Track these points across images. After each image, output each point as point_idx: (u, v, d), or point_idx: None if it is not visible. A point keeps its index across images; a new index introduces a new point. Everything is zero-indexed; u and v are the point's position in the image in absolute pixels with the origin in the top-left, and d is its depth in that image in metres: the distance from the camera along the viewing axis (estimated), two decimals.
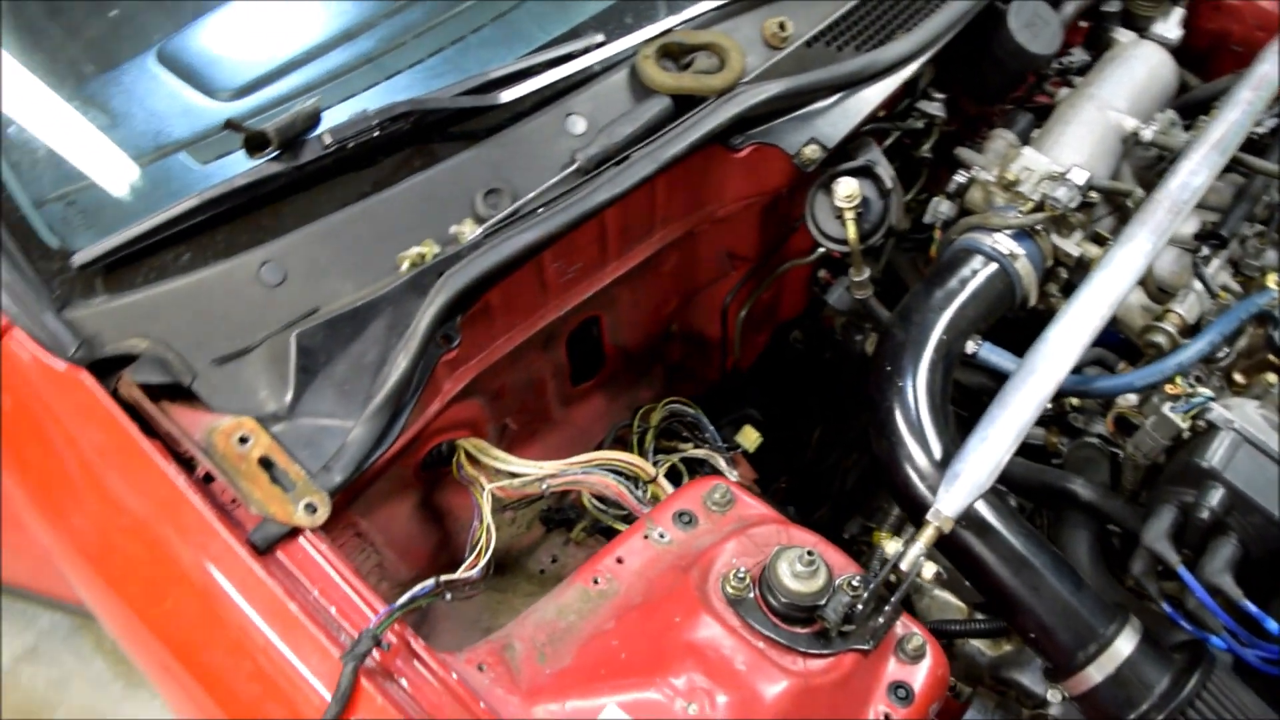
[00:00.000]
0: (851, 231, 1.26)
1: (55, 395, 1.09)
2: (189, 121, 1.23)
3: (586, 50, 1.22)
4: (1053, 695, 1.24)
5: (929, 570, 1.09)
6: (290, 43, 1.32)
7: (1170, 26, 1.69)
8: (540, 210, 1.16)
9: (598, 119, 1.23)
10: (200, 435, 1.07)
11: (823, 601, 1.08)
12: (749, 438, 1.57)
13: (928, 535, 1.11)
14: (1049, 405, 1.43)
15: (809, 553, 1.09)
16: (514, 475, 1.25)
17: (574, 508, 1.49)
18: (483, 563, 1.15)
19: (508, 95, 1.19)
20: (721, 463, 1.50)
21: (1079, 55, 1.59)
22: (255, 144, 1.11)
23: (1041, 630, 1.19)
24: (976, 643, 1.37)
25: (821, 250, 1.41)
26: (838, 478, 1.68)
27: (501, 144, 1.21)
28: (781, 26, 1.31)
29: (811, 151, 1.27)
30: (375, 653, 0.98)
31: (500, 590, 1.40)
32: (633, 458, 1.34)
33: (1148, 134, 1.44)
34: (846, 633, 1.09)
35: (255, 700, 1.00)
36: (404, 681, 0.99)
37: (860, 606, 1.08)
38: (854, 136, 1.33)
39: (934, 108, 1.52)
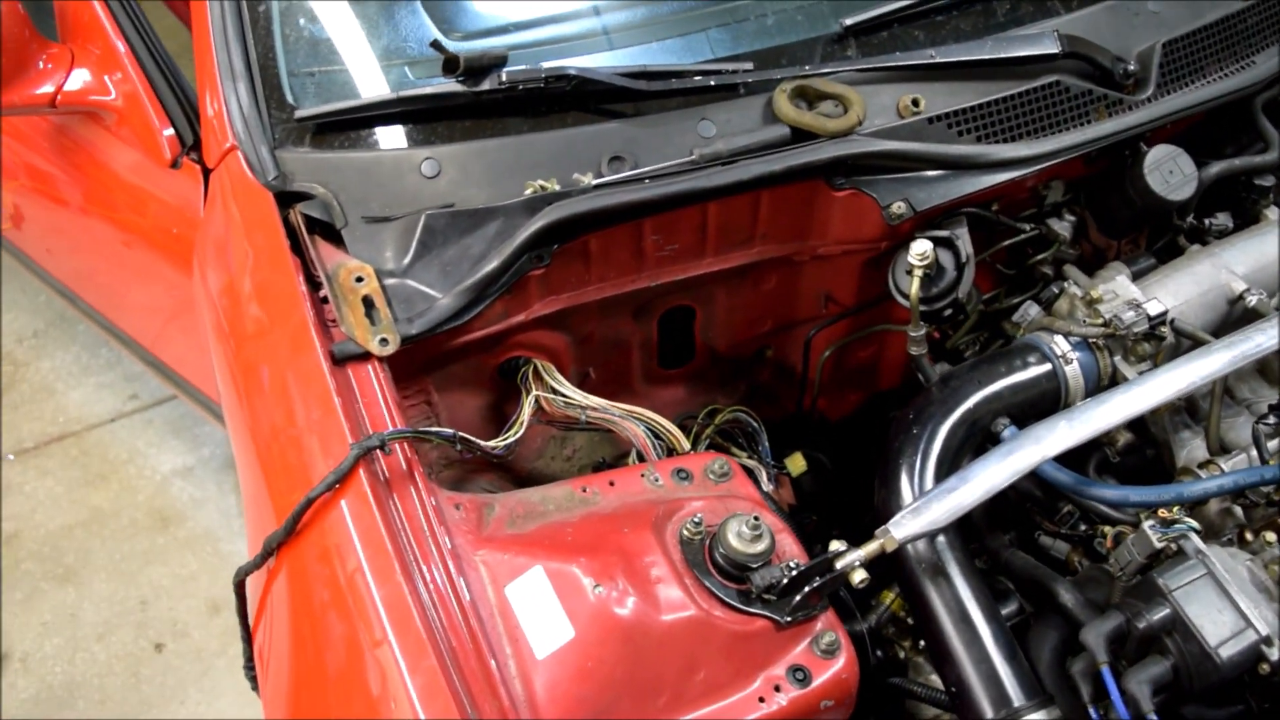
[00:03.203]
0: (914, 287, 1.39)
1: (246, 204, 1.42)
2: (421, 46, 1.55)
3: (735, 73, 1.44)
4: None
5: (858, 575, 1.20)
6: (523, 11, 1.63)
7: None
8: (647, 181, 1.38)
9: (725, 129, 1.44)
10: (331, 266, 1.36)
11: (755, 565, 1.21)
12: (796, 464, 1.70)
13: (871, 547, 1.21)
14: (1080, 526, 1.50)
15: (755, 518, 1.22)
16: (563, 396, 1.46)
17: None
18: (503, 441, 1.36)
19: (658, 87, 1.43)
20: (764, 476, 1.63)
21: (1222, 219, 1.63)
22: (449, 65, 1.40)
23: (961, 685, 1.26)
24: None
25: (925, 329, 1.53)
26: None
27: (639, 124, 1.44)
28: (915, 102, 1.47)
29: (899, 208, 1.42)
30: (381, 457, 1.22)
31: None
32: (673, 428, 1.51)
33: (1252, 300, 1.48)
34: (768, 600, 1.21)
35: (285, 459, 1.26)
36: (394, 491, 1.21)
37: (785, 581, 1.20)
38: (949, 213, 1.47)
39: (1061, 226, 1.61)
